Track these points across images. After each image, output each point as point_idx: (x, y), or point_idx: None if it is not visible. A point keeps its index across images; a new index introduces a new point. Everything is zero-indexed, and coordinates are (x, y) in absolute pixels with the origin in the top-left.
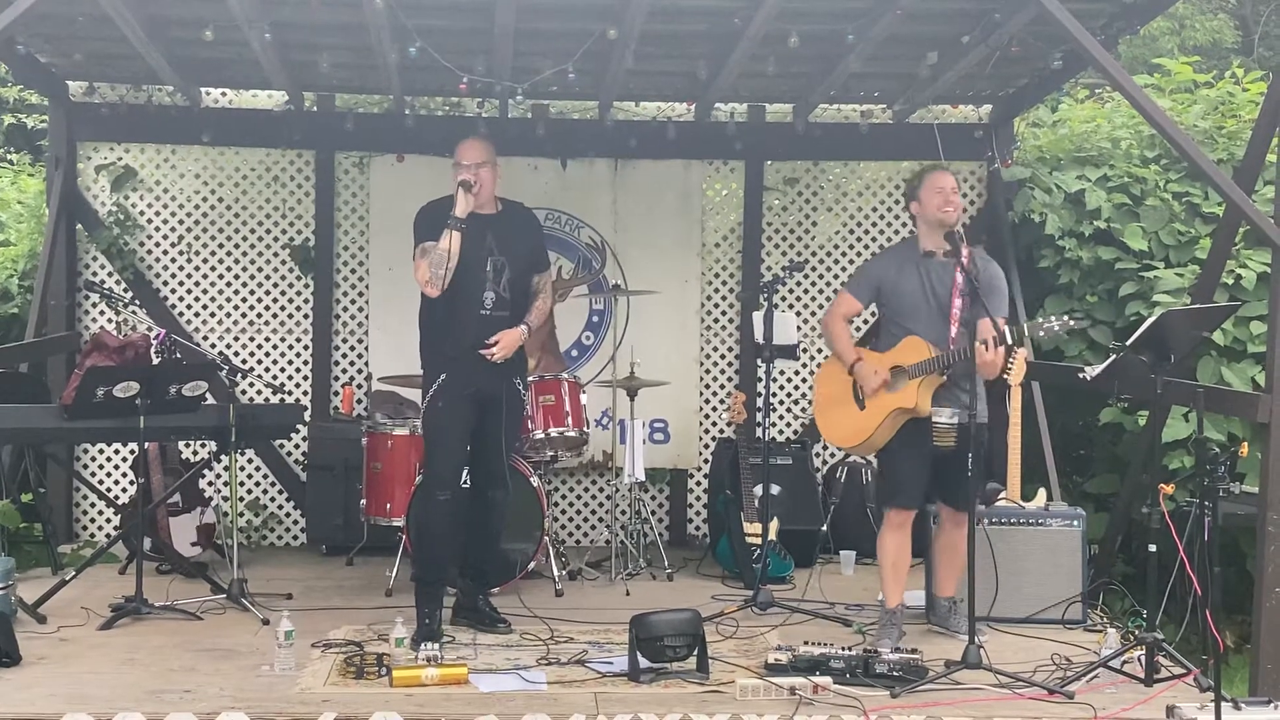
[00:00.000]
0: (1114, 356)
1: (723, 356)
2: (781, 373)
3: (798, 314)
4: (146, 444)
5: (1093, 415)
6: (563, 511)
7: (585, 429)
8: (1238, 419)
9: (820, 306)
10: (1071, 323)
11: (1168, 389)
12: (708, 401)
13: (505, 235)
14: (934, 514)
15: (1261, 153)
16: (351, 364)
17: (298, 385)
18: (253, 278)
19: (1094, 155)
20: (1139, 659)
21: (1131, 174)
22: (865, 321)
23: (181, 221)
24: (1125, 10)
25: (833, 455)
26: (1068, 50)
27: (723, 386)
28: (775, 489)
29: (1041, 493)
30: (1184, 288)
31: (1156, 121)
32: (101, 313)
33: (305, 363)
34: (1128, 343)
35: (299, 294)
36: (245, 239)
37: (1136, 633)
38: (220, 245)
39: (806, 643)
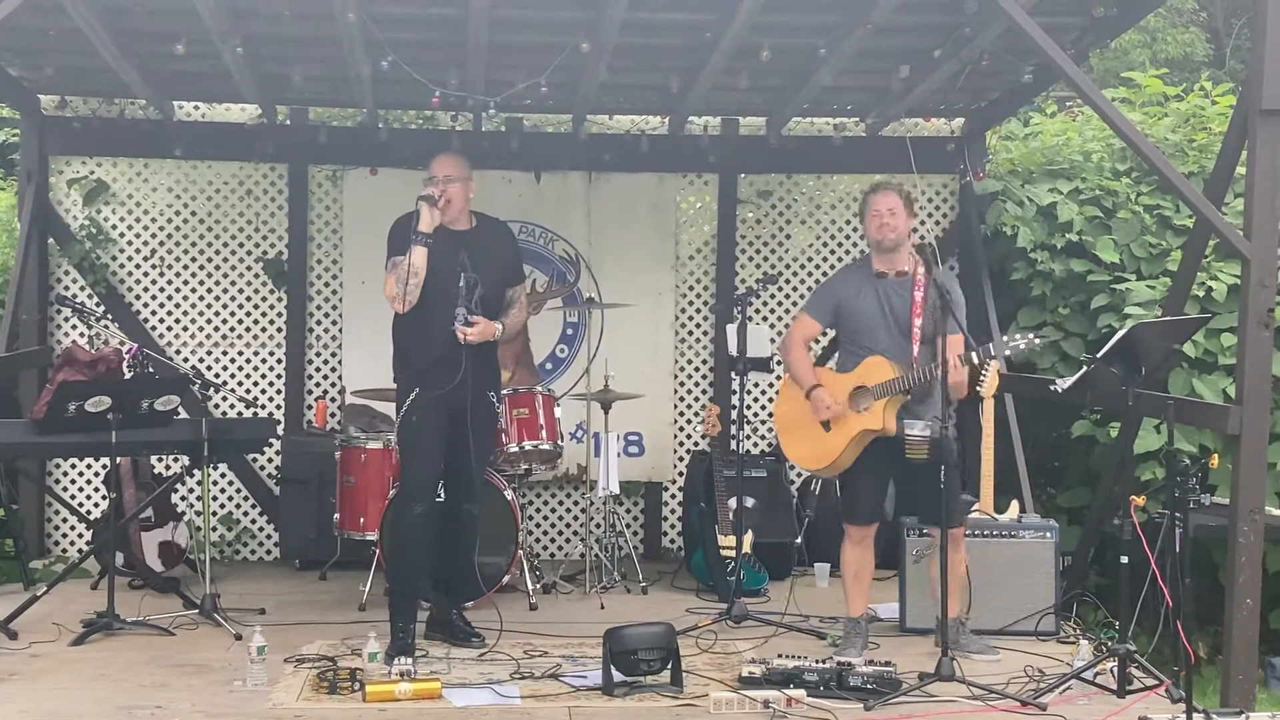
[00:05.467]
0: (1085, 369)
1: (697, 369)
2: (755, 385)
3: (771, 326)
4: (118, 459)
5: (1065, 427)
6: (537, 525)
7: (559, 442)
8: (1209, 431)
9: (794, 319)
10: (1037, 341)
11: (1139, 401)
12: (682, 414)
13: (479, 251)
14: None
15: (1231, 165)
16: (325, 378)
17: (271, 399)
18: (225, 291)
19: (1065, 168)
20: (1111, 670)
21: (1103, 187)
22: (821, 342)
23: (154, 235)
24: (1095, 24)
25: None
26: (1038, 64)
27: (697, 399)
28: (749, 501)
29: (1014, 505)
30: (1155, 300)
31: (1126, 135)
32: (74, 327)
33: (279, 376)
34: (1099, 355)
35: (272, 308)
36: (218, 253)
37: (1109, 644)
38: (193, 259)
39: (780, 655)
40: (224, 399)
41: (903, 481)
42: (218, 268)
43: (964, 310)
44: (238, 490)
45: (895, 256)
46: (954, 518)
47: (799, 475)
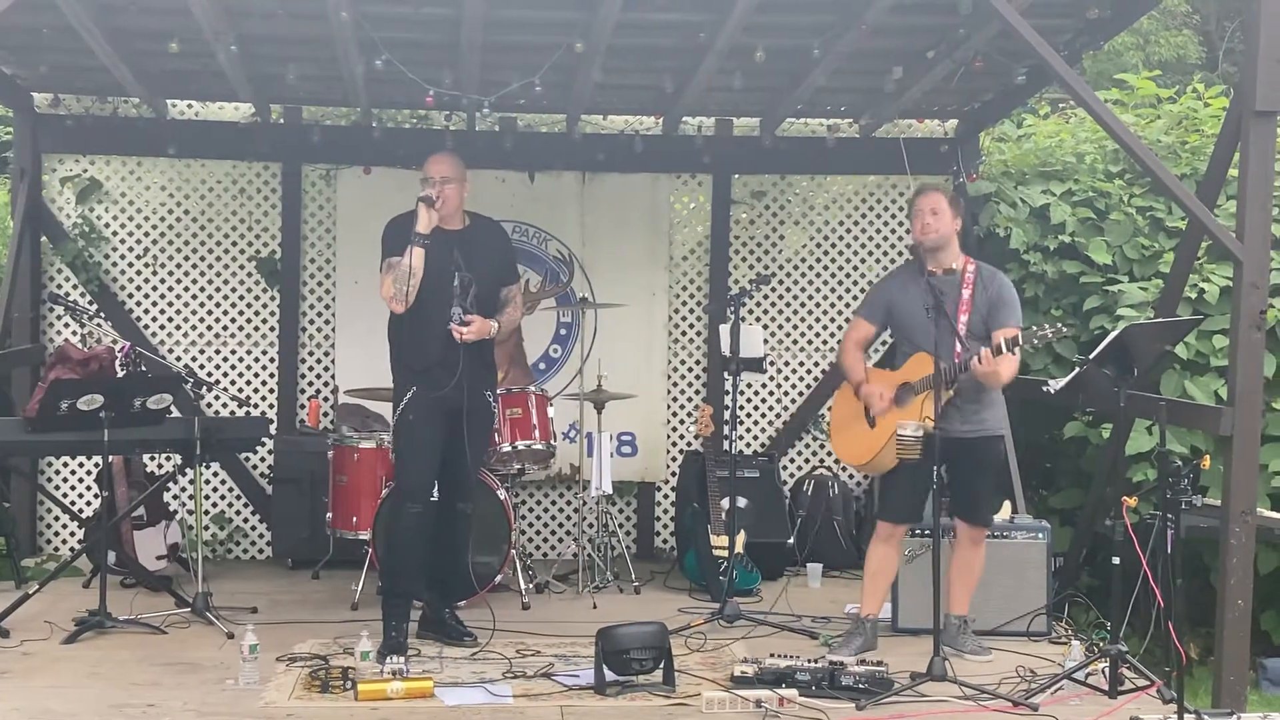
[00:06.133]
0: (1078, 370)
1: (690, 369)
2: (749, 385)
3: (765, 327)
4: (111, 457)
5: (1057, 429)
6: (530, 525)
7: (552, 442)
8: (1200, 432)
9: (787, 319)
10: (1065, 330)
11: (1131, 402)
12: (675, 414)
13: (472, 251)
14: (949, 530)
15: (1223, 167)
16: (318, 377)
17: (263, 398)
18: (219, 290)
19: (1059, 170)
20: (1103, 671)
21: (1096, 188)
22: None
23: (147, 234)
24: (1089, 25)
25: (799, 468)
26: (1032, 65)
27: (690, 399)
28: (742, 502)
29: (1006, 506)
30: (1148, 301)
31: (1119, 136)
32: (66, 325)
33: (271, 375)
34: (1091, 356)
35: (265, 306)
36: (211, 251)
37: (1101, 645)
38: (186, 258)
39: (773, 655)
40: (216, 398)
41: (954, 479)
42: (210, 266)
43: (1014, 307)
44: (230, 489)
45: (941, 255)
46: (982, 516)
47: (792, 476)
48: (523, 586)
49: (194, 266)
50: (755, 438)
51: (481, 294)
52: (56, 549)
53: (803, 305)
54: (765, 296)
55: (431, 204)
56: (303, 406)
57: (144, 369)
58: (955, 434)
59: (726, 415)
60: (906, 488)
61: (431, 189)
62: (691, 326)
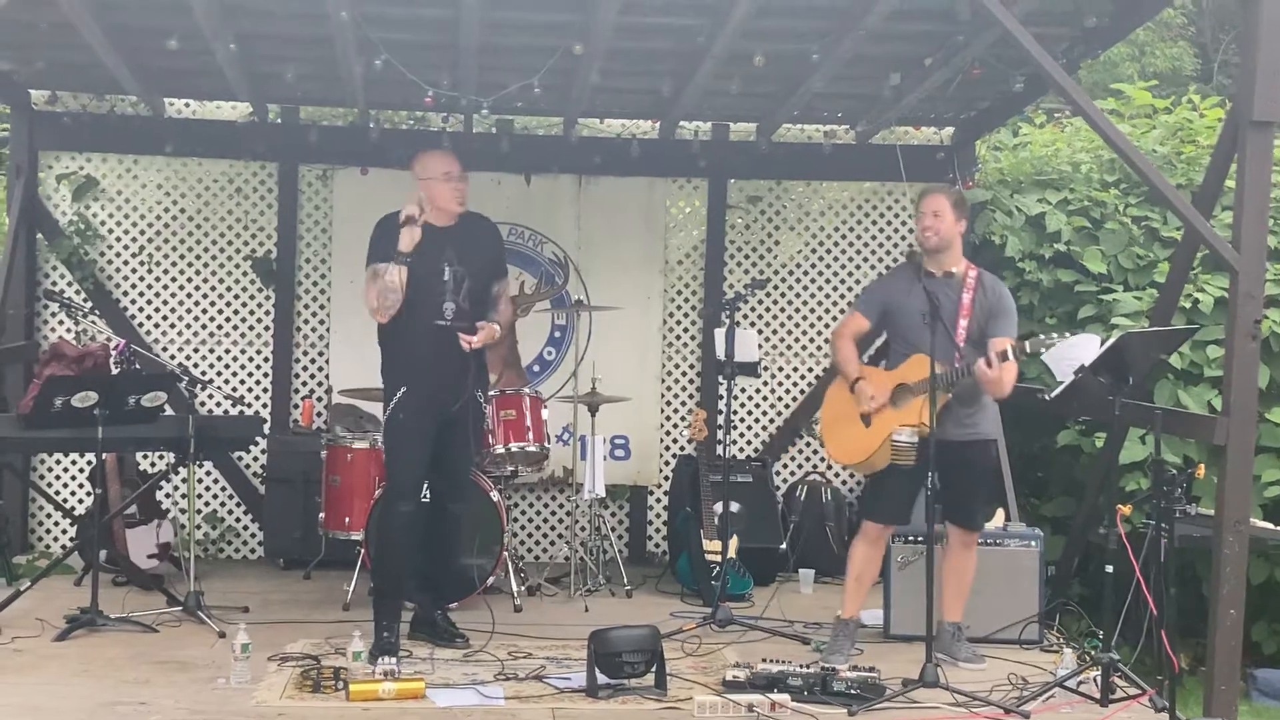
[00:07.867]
0: (1073, 378)
1: (684, 374)
2: (743, 390)
3: (759, 331)
4: (104, 455)
5: (1051, 437)
6: (522, 527)
7: (546, 444)
8: (1194, 441)
9: (782, 324)
10: (1070, 336)
11: (1125, 411)
12: (669, 418)
13: (465, 246)
14: (942, 536)
15: (1219, 178)
16: (312, 377)
17: (257, 398)
18: (214, 289)
19: (1054, 178)
20: (1095, 679)
21: (1091, 198)
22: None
23: (143, 232)
24: (1086, 34)
25: (793, 474)
26: (1029, 73)
27: (684, 403)
28: (735, 506)
29: (1000, 513)
30: (1142, 311)
31: (1117, 145)
32: (61, 322)
33: (265, 375)
34: (1086, 365)
35: (260, 306)
36: (207, 250)
37: (1092, 653)
38: (181, 256)
39: (765, 660)
40: (210, 396)
41: (945, 482)
42: (206, 265)
43: (1012, 317)
44: (223, 488)
45: (942, 258)
46: (975, 521)
47: (785, 481)
48: (515, 589)
49: (189, 265)
50: (749, 442)
51: (474, 288)
52: (48, 546)
53: (797, 310)
54: (760, 301)
55: (414, 222)
56: (296, 406)
57: (138, 367)
58: (949, 438)
59: (720, 419)
60: (897, 489)
61: (415, 208)
62: (686, 330)
